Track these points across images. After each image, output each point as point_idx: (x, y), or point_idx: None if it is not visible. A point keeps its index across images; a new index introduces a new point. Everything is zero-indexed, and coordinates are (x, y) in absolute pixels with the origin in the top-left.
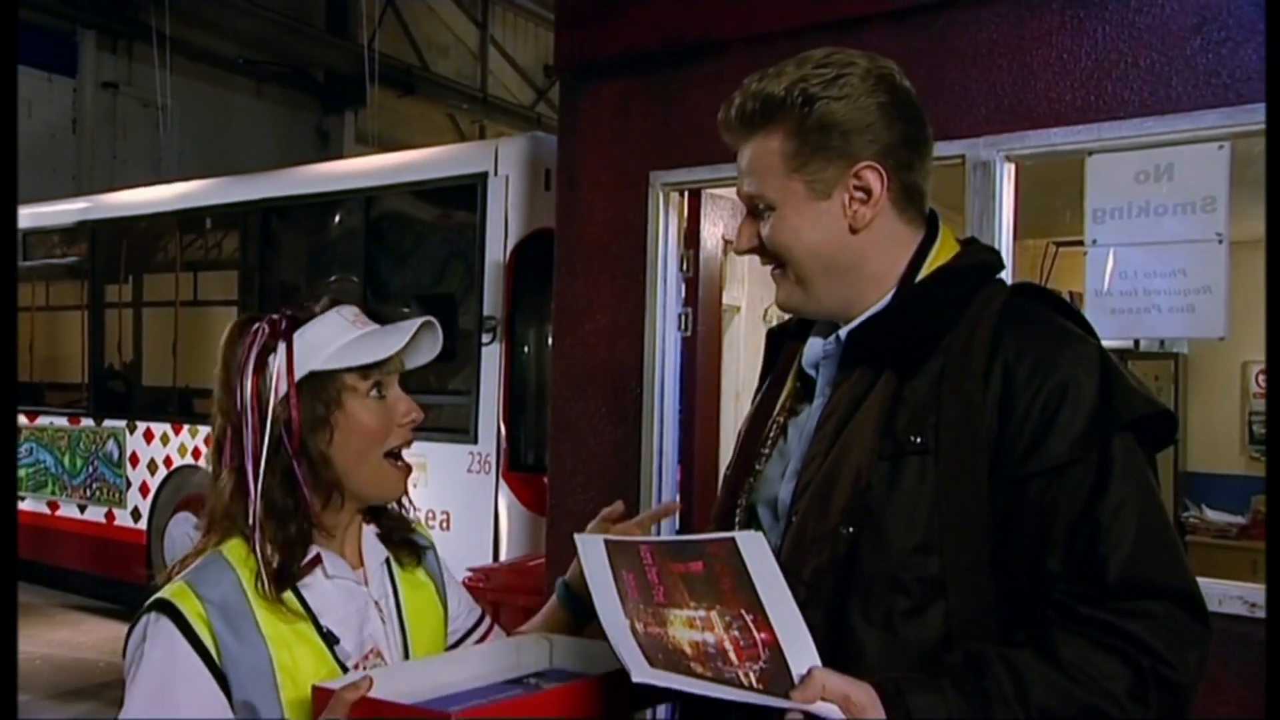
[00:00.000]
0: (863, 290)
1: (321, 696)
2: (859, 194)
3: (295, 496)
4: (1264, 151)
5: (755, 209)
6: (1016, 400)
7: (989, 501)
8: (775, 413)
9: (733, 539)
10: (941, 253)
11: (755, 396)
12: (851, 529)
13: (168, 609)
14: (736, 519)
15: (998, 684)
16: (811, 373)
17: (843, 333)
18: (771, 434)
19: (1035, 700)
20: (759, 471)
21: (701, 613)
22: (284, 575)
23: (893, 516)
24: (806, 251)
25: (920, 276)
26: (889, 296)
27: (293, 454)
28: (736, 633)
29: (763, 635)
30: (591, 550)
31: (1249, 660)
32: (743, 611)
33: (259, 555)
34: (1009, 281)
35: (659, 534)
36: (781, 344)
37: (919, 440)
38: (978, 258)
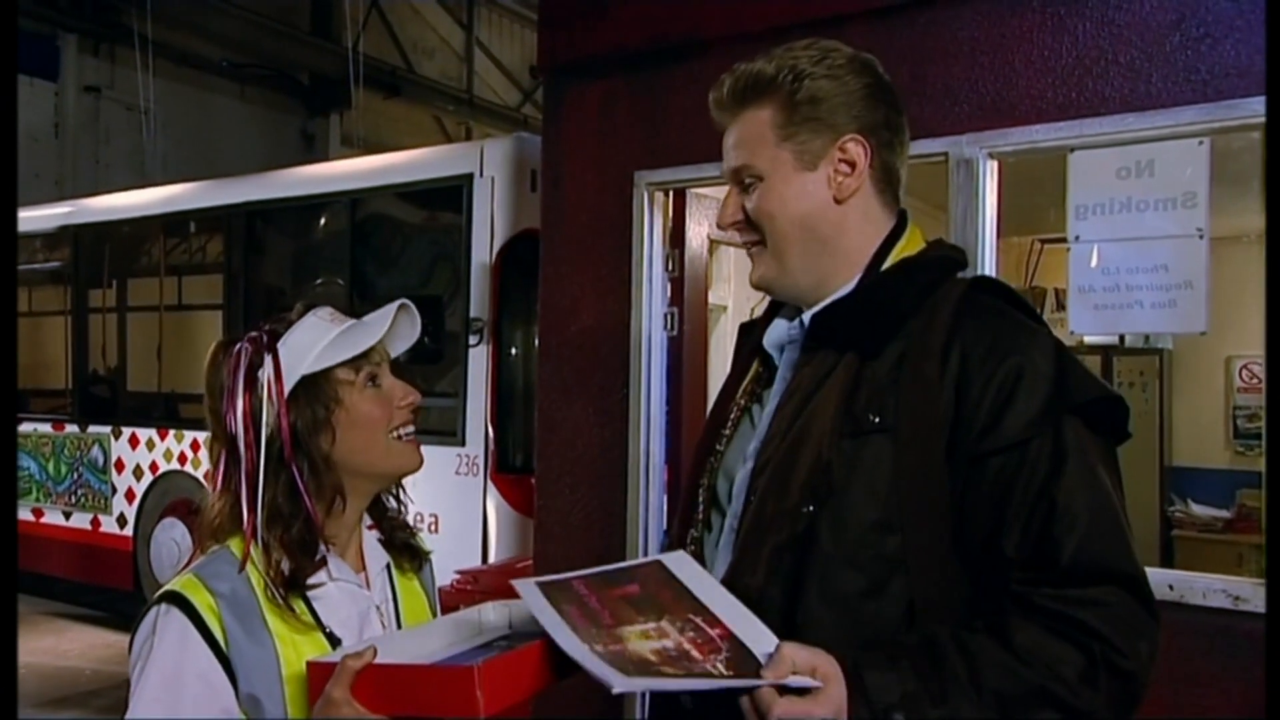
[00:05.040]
0: (835, 268)
1: (317, 672)
2: (843, 166)
3: (299, 504)
4: (1244, 148)
5: (742, 182)
6: (973, 380)
7: (947, 480)
8: (738, 395)
9: (658, 561)
10: (908, 245)
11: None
12: (812, 507)
13: (178, 601)
14: (700, 499)
15: (951, 665)
16: (774, 354)
17: (806, 316)
18: (733, 416)
19: (988, 681)
20: (720, 453)
21: (652, 624)
22: (295, 582)
23: (853, 494)
24: (791, 220)
25: (886, 265)
26: (854, 282)
27: (293, 463)
28: (692, 633)
29: (716, 631)
30: (531, 596)
31: (1233, 653)
32: (690, 615)
33: (267, 565)
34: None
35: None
36: (750, 335)
37: (878, 420)
38: (942, 253)
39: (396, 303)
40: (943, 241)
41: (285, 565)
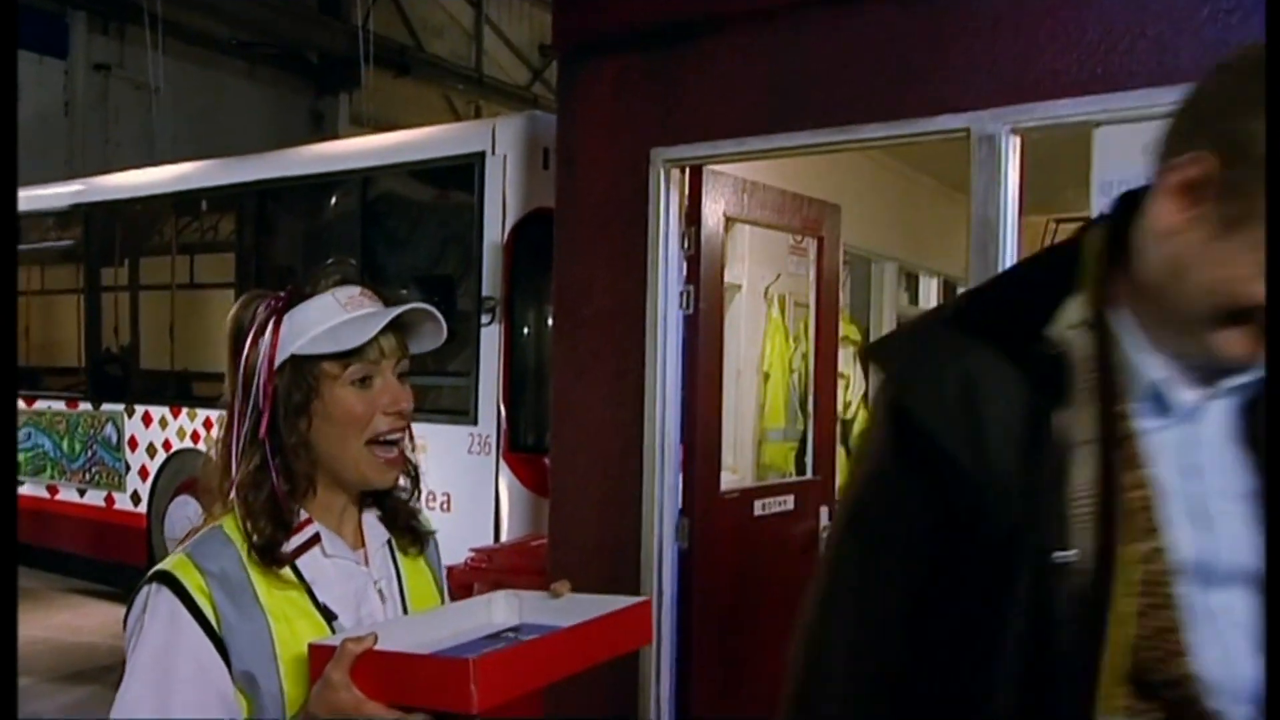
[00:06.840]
0: None
1: (318, 655)
2: None
3: (265, 480)
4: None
5: None
6: None
7: None
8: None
9: None
10: None
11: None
12: None
13: (168, 580)
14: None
15: None
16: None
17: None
18: (1136, 494)
19: None
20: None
21: None
22: (265, 553)
23: None
24: None
25: None
26: None
27: (264, 438)
28: None
29: None
30: None
31: None
32: None
33: (245, 530)
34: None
35: None
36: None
37: None
38: None
39: (399, 307)
40: None
41: (257, 537)
